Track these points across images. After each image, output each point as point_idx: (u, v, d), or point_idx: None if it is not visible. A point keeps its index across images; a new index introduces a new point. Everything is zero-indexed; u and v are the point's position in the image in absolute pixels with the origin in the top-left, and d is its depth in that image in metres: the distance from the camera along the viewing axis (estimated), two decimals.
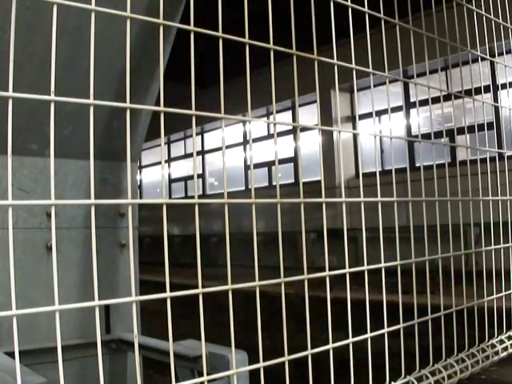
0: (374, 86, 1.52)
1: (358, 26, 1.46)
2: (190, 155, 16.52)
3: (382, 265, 1.46)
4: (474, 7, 2.01)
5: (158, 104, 1.04)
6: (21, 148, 1.96)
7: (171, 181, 17.31)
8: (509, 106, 2.39)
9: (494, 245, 2.01)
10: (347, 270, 1.35)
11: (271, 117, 13.46)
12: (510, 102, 2.33)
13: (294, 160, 13.33)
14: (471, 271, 1.87)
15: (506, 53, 2.51)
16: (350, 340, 1.35)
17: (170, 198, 16.89)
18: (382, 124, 11.44)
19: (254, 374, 1.19)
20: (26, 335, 1.86)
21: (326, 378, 1.31)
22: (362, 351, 1.36)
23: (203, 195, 15.93)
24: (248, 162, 14.49)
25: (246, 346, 1.41)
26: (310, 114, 12.18)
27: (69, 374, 1.93)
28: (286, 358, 1.19)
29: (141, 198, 17.48)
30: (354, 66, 1.43)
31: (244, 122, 13.63)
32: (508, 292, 2.04)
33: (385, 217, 1.46)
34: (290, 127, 12.93)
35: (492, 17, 2.09)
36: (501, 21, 2.17)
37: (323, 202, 1.30)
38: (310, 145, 12.72)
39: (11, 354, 1.54)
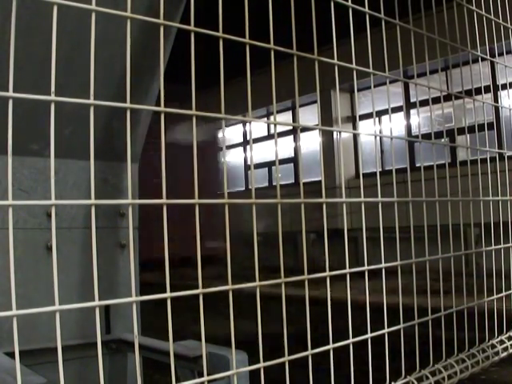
0: (375, 87, 1.52)
1: (359, 26, 1.46)
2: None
3: (383, 265, 1.46)
4: (474, 7, 2.01)
5: (158, 104, 1.04)
6: (21, 148, 1.96)
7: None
8: (509, 106, 2.39)
9: (495, 245, 2.01)
10: (347, 270, 1.35)
11: (271, 117, 13.42)
12: (510, 102, 2.33)
13: (294, 160, 13.26)
14: (471, 271, 1.87)
15: (506, 53, 2.51)
16: (351, 340, 1.34)
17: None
18: (383, 124, 11.45)
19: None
20: (26, 335, 1.86)
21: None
22: None
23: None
24: (248, 162, 14.41)
25: None
26: (310, 115, 12.18)
27: (69, 375, 1.93)
28: (286, 358, 1.19)
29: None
30: (354, 66, 1.42)
31: (244, 123, 13.59)
32: (508, 292, 2.04)
33: (385, 217, 1.46)
34: (291, 127, 12.92)
35: (492, 17, 2.09)
36: (501, 21, 2.17)
37: (323, 203, 1.30)
38: (310, 145, 12.69)
39: (11, 355, 1.53)
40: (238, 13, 1.36)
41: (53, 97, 0.86)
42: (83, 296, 2.04)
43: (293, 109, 13.17)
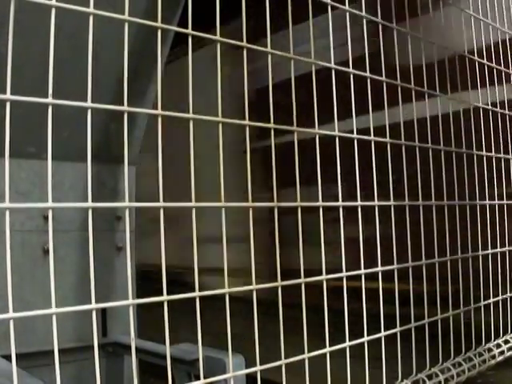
0: None
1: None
2: None
3: (379, 268, 1.46)
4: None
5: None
6: (18, 151, 1.95)
7: None
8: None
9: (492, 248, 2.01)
10: (344, 273, 1.35)
11: None
12: None
13: None
14: (468, 275, 1.88)
15: None
16: (347, 344, 1.35)
17: None
18: None
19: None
20: (22, 338, 1.86)
21: None
22: None
23: None
24: None
25: None
26: None
27: (66, 378, 1.92)
28: (283, 361, 1.19)
29: None
30: (351, 70, 1.43)
31: None
32: (505, 296, 2.04)
33: None
34: None
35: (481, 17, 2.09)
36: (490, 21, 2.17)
37: (320, 206, 1.30)
38: None
39: (8, 357, 1.53)
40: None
41: (50, 99, 0.86)
42: (80, 299, 2.04)
43: None
